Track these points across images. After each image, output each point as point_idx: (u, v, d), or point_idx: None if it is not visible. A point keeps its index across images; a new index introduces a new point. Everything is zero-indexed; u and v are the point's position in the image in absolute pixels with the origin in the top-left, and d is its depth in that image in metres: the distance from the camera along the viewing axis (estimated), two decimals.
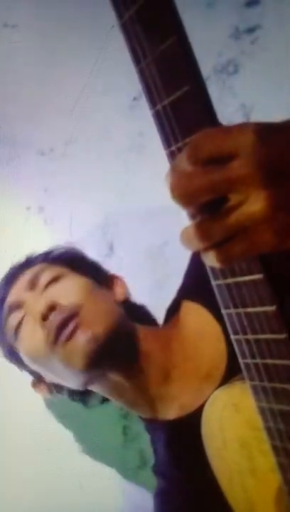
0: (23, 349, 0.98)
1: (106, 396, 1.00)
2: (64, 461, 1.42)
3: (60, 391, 1.04)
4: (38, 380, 1.05)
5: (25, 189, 1.49)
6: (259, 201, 0.46)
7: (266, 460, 0.66)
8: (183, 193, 0.48)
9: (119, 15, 0.49)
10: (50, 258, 1.06)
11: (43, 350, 0.92)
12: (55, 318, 0.89)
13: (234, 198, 0.47)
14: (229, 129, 0.48)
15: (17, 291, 0.99)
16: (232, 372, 0.80)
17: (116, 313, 0.95)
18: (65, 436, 1.40)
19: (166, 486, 0.96)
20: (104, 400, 1.05)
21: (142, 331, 0.97)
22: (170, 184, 0.49)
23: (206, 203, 0.48)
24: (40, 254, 1.08)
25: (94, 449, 1.41)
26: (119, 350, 0.91)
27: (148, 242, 1.36)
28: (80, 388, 0.97)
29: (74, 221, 1.43)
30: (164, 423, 0.94)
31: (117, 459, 1.37)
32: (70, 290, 0.95)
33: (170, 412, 0.93)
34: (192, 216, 0.50)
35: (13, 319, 0.98)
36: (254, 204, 0.46)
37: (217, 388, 0.79)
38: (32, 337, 0.94)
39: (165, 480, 0.97)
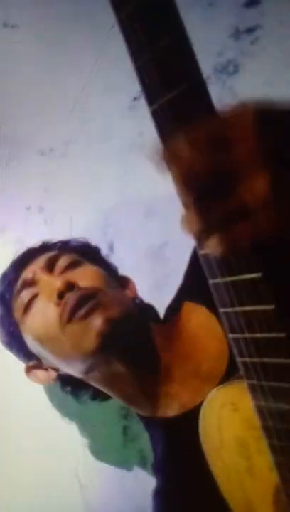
0: (30, 327, 0.97)
1: (105, 390, 1.00)
2: (64, 461, 1.42)
3: (54, 380, 1.04)
4: (35, 365, 1.05)
5: (25, 189, 1.49)
6: (259, 185, 0.47)
7: (264, 459, 0.67)
8: (185, 176, 0.48)
9: (117, 11, 0.49)
10: (67, 247, 1.06)
11: (53, 327, 0.92)
12: (72, 297, 0.90)
13: (233, 181, 0.47)
14: (230, 112, 0.48)
15: (33, 270, 1.00)
16: (232, 372, 0.80)
17: (130, 303, 0.98)
18: (65, 436, 1.40)
19: (165, 484, 0.96)
20: (95, 397, 1.05)
21: (152, 326, 0.97)
22: (172, 169, 0.49)
23: (206, 189, 0.48)
24: (57, 242, 1.08)
25: (93, 454, 1.41)
26: (131, 339, 0.92)
27: (148, 242, 1.36)
28: (80, 375, 0.97)
29: (74, 221, 1.43)
30: (163, 421, 0.94)
31: (117, 458, 1.37)
32: (87, 275, 0.96)
33: (170, 410, 0.94)
34: (194, 201, 0.50)
35: (26, 295, 0.98)
36: (253, 188, 0.47)
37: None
38: (44, 314, 0.94)
39: (163, 478, 0.97)
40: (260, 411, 0.61)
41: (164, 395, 0.94)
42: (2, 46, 1.43)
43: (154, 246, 1.35)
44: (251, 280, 0.52)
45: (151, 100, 0.51)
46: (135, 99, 1.33)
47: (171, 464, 0.95)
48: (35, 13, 1.39)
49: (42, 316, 0.94)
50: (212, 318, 0.91)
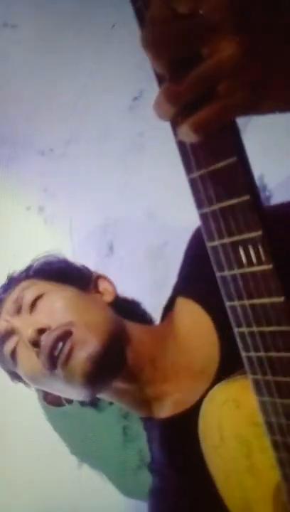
0: (22, 374, 0.98)
1: (109, 400, 1.01)
2: (63, 462, 1.42)
3: (69, 401, 1.04)
4: (46, 393, 1.05)
5: (25, 189, 1.49)
6: (231, 47, 0.44)
7: (266, 457, 0.66)
8: (156, 40, 0.45)
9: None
10: (30, 273, 1.05)
11: (42, 373, 0.92)
12: (46, 343, 0.88)
13: (205, 50, 0.45)
14: None
15: (5, 318, 0.99)
16: (225, 368, 0.79)
17: (108, 320, 0.94)
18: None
19: (161, 483, 0.96)
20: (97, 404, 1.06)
21: (136, 330, 0.96)
22: (143, 33, 0.46)
23: (178, 64, 0.45)
24: (22, 271, 1.07)
25: (93, 454, 1.41)
26: (118, 358, 0.91)
27: (148, 242, 1.36)
28: (87, 399, 0.98)
29: (75, 221, 1.43)
30: (159, 421, 0.94)
31: (117, 459, 1.37)
32: (55, 308, 0.94)
33: (165, 409, 0.93)
34: (165, 79, 0.47)
35: (8, 347, 0.98)
36: (225, 50, 0.44)
37: (211, 385, 0.78)
38: (29, 362, 0.94)
39: (159, 477, 0.97)
40: (264, 407, 0.60)
41: (160, 396, 0.94)
42: (2, 46, 1.43)
43: (154, 246, 1.35)
44: (262, 272, 0.51)
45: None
46: (135, 99, 1.33)
47: (166, 464, 0.95)
48: (35, 13, 1.39)
49: (28, 363, 0.94)
50: (203, 314, 0.90)
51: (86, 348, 0.87)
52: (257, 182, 1.19)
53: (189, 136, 0.48)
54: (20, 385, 1.09)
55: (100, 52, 1.33)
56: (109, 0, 1.18)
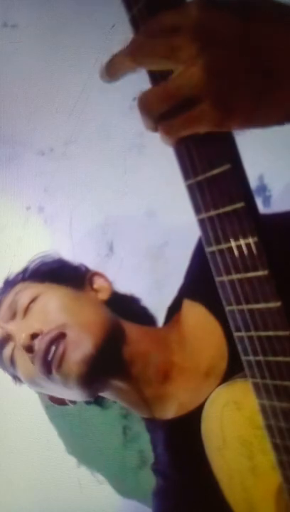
0: (22, 378, 0.98)
1: (110, 399, 1.01)
2: (63, 462, 1.42)
3: (73, 401, 1.04)
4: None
5: (25, 189, 1.49)
6: (197, 66, 0.47)
7: (267, 459, 0.66)
8: (134, 56, 0.50)
9: (129, 8, 0.50)
10: (26, 275, 1.05)
11: (39, 378, 0.92)
12: (39, 348, 0.88)
13: (175, 70, 0.49)
14: (179, 6, 0.49)
15: (1, 326, 0.99)
16: (233, 371, 0.79)
17: (103, 319, 0.94)
18: None
19: (165, 484, 0.96)
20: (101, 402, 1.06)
21: (133, 329, 0.96)
22: (124, 50, 0.51)
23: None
24: (18, 274, 1.07)
25: (93, 454, 1.41)
26: (114, 359, 0.91)
27: (148, 242, 1.36)
28: (87, 399, 0.98)
29: (74, 221, 1.43)
30: (163, 422, 0.94)
31: (117, 459, 1.37)
32: (48, 310, 0.93)
33: (170, 411, 0.93)
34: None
35: (6, 353, 0.98)
36: (191, 68, 0.48)
37: (217, 387, 0.78)
38: (26, 367, 0.94)
39: (164, 478, 0.97)
40: (264, 410, 0.61)
41: (164, 397, 0.94)
42: (2, 46, 1.43)
43: (154, 246, 1.35)
44: (258, 278, 0.52)
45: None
46: (135, 99, 1.32)
47: (171, 465, 0.95)
48: (35, 13, 1.39)
49: (25, 368, 0.95)
50: (211, 317, 0.90)
51: (79, 350, 0.87)
52: (257, 182, 1.20)
53: (164, 139, 0.52)
54: (21, 385, 1.10)
55: (100, 52, 1.32)
56: (109, 0, 1.18)
